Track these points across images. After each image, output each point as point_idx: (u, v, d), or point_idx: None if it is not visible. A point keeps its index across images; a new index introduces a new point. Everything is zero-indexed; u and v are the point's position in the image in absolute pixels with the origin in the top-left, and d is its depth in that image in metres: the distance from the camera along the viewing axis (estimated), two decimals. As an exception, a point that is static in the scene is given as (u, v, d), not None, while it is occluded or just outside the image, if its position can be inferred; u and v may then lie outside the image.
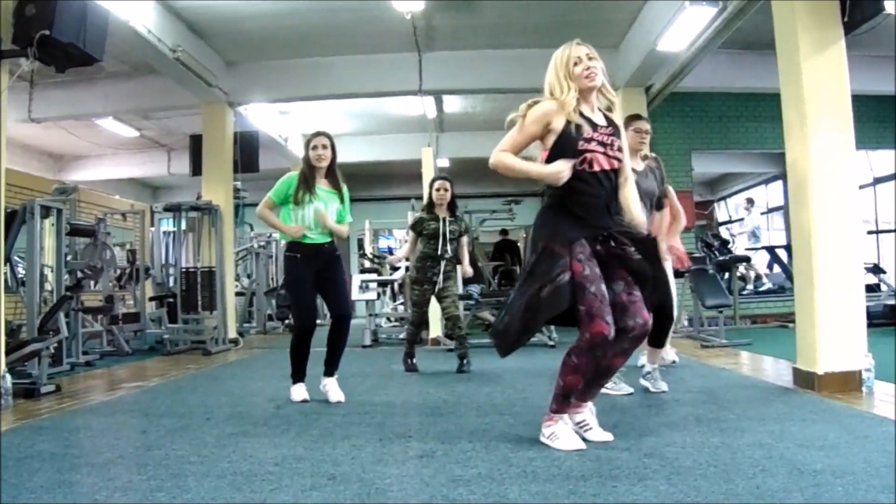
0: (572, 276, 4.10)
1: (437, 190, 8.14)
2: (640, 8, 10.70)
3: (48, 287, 9.94)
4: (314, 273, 6.18)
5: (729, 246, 15.39)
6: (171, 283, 12.69)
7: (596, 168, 4.22)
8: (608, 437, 4.30)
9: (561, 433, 4.19)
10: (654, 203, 6.14)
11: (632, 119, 6.20)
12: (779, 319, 13.02)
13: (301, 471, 3.75)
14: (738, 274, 14.58)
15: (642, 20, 10.85)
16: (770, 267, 16.27)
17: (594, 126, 4.28)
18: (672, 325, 6.31)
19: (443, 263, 8.03)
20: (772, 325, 12.88)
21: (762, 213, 19.08)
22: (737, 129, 14.16)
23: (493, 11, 10.92)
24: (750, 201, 17.96)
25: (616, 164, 4.30)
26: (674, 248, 6.90)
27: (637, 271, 4.26)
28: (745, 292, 14.60)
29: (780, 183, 18.07)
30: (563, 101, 4.27)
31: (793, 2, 6.15)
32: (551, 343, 10.21)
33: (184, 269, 12.01)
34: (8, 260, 8.45)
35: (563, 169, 4.13)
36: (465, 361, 8.02)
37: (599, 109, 4.44)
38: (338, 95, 13.60)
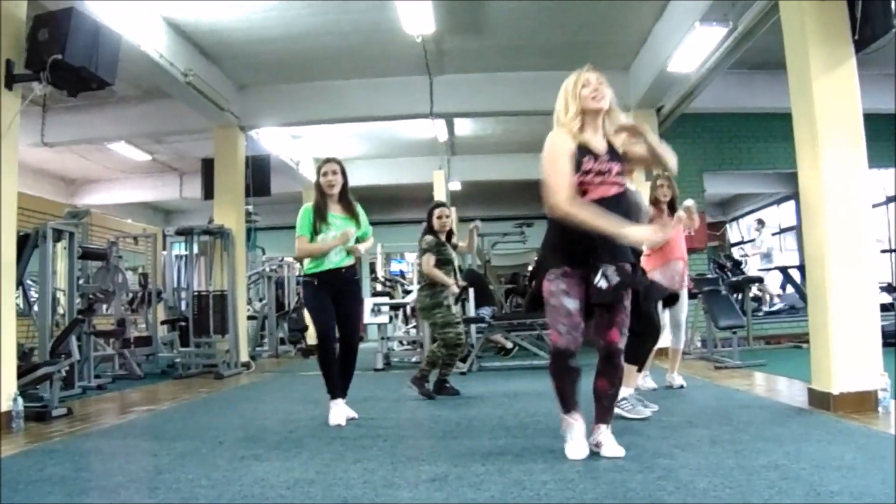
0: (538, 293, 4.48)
1: (439, 218, 8.05)
2: (649, 29, 10.71)
3: (60, 310, 9.95)
4: (331, 296, 6.26)
5: (741, 267, 15.35)
6: (183, 307, 12.71)
7: (592, 197, 4.29)
8: (620, 452, 4.35)
9: (568, 436, 4.42)
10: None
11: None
12: (792, 340, 12.94)
13: (313, 494, 3.72)
14: (752, 295, 14.54)
15: (652, 41, 10.86)
16: (783, 287, 16.20)
17: (595, 156, 4.34)
18: (653, 349, 6.27)
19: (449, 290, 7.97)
20: (785, 345, 12.81)
21: (774, 234, 19.02)
22: (748, 150, 14.12)
23: (504, 34, 10.95)
24: (760, 222, 17.93)
25: (617, 189, 4.37)
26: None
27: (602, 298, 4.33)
28: (759, 313, 14.55)
29: (792, 203, 18.01)
30: (566, 122, 4.41)
31: (803, 21, 6.13)
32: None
33: (196, 293, 12.02)
34: (20, 283, 8.46)
35: (659, 237, 4.38)
36: (446, 384, 7.98)
37: (606, 135, 4.49)
38: (349, 119, 13.64)
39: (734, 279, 12.72)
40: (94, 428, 6.38)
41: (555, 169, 4.31)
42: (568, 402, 4.44)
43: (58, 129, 13.47)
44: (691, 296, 10.95)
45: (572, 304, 4.30)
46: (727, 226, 21.68)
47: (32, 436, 5.96)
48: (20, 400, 6.40)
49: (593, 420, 4.50)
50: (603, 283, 4.22)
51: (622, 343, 4.42)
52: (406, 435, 5.64)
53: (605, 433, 4.46)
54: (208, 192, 13.50)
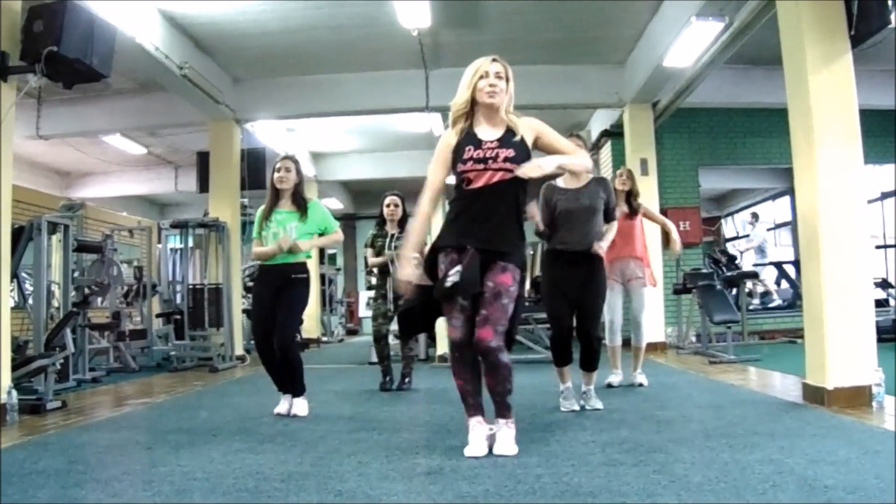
0: (428, 278, 4.51)
1: (388, 206, 8.13)
2: (645, 24, 10.72)
3: (55, 303, 9.93)
4: (273, 291, 6.26)
5: (736, 262, 15.36)
6: (178, 300, 12.68)
7: (476, 185, 4.38)
8: (511, 450, 4.37)
9: (470, 438, 4.49)
10: (595, 219, 6.10)
11: (566, 136, 6.26)
12: (787, 335, 12.95)
13: (307, 487, 3.73)
14: (746, 290, 14.57)
15: (648, 36, 10.87)
16: (778, 283, 16.22)
17: (478, 143, 4.43)
18: (598, 350, 6.26)
19: (390, 280, 8.00)
20: (780, 340, 12.82)
21: (769, 229, 19.04)
22: (744, 145, 14.11)
23: (500, 28, 10.94)
24: (755, 216, 17.93)
25: (499, 175, 4.38)
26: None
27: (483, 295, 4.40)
28: (751, 307, 14.56)
29: (787, 198, 18.05)
30: (454, 110, 4.61)
31: (799, 16, 6.13)
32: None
33: (191, 286, 12.04)
34: (15, 276, 8.45)
35: (408, 278, 4.51)
36: (405, 380, 8.10)
37: (505, 122, 4.57)
38: (344, 112, 13.63)
39: (729, 274, 12.73)
40: (89, 421, 6.38)
41: (429, 169, 4.59)
42: (472, 404, 4.56)
43: (53, 122, 13.42)
44: (686, 291, 10.99)
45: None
46: (722, 221, 21.70)
47: (27, 428, 5.96)
48: (15, 393, 6.40)
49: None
50: (450, 280, 4.31)
51: (494, 342, 4.30)
52: (401, 428, 5.65)
53: (503, 428, 4.48)
54: (203, 186, 13.50)
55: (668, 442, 4.62)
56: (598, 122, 14.98)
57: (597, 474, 3.81)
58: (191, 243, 12.73)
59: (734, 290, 12.49)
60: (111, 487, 3.86)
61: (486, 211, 4.38)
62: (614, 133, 13.59)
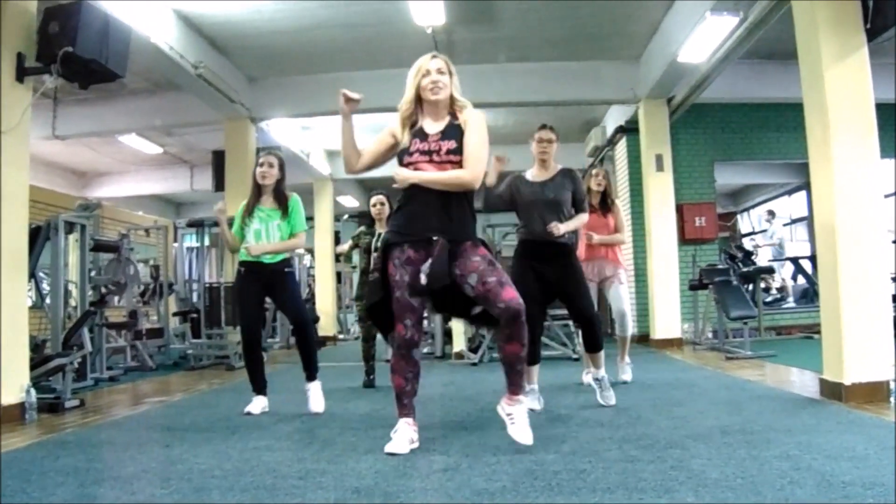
0: (386, 274, 4.57)
1: (374, 206, 8.22)
2: (660, 19, 10.68)
3: (72, 302, 9.99)
4: (259, 287, 6.32)
5: (752, 257, 15.31)
6: (195, 299, 12.75)
7: None
8: (528, 439, 4.37)
9: (393, 436, 4.56)
10: (567, 213, 6.08)
11: (537, 128, 6.27)
12: (804, 330, 12.91)
13: (325, 484, 3.73)
14: (763, 286, 14.54)
15: (663, 32, 10.83)
16: (794, 278, 16.16)
17: (424, 136, 4.57)
18: (599, 329, 6.24)
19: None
20: (797, 336, 12.77)
21: (785, 225, 18.96)
22: (759, 140, 14.05)
23: (514, 25, 10.93)
24: (771, 213, 17.87)
25: (448, 167, 4.48)
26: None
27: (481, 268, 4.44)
28: (768, 300, 14.52)
29: (803, 193, 17.96)
30: (400, 108, 4.84)
31: (814, 10, 6.11)
32: (575, 356, 10.17)
33: (207, 285, 12.07)
34: (33, 276, 8.49)
35: (402, 176, 4.57)
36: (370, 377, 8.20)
37: (450, 115, 4.68)
38: (359, 110, 13.53)
39: (745, 270, 12.69)
40: (107, 419, 6.42)
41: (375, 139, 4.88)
42: (406, 405, 4.66)
43: (69, 122, 13.48)
44: (702, 286, 10.96)
45: (413, 300, 4.50)
46: (738, 216, 21.62)
47: (45, 427, 5.99)
48: (33, 391, 6.44)
49: (505, 392, 4.59)
50: (423, 280, 4.36)
51: (521, 301, 4.32)
52: (417, 425, 5.65)
53: (518, 408, 4.53)
54: (219, 184, 13.51)
55: (684, 438, 4.61)
56: (614, 118, 14.94)
57: (613, 470, 3.81)
58: (207, 242, 12.78)
59: (750, 286, 12.44)
60: (129, 485, 3.87)
61: (441, 202, 4.46)
62: (629, 129, 13.56)
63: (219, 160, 13.55)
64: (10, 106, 6.48)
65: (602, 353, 6.25)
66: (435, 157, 4.46)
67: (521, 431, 4.40)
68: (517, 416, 4.47)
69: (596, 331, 6.14)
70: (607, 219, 7.45)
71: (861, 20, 6.03)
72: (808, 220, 16.95)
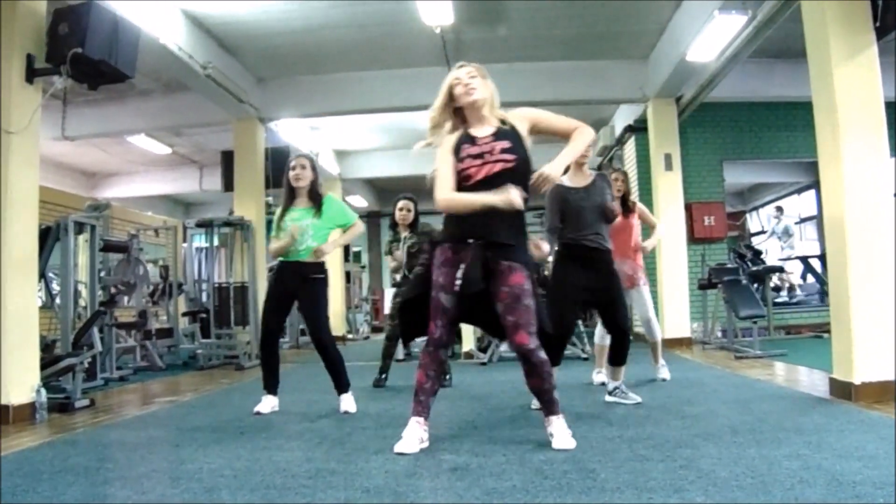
0: (427, 274, 4.66)
1: (401, 210, 8.19)
2: (668, 18, 10.67)
3: (82, 303, 10.00)
4: (287, 289, 6.32)
5: (761, 256, 15.29)
6: (204, 299, 12.75)
7: (477, 179, 4.45)
8: (570, 444, 4.41)
9: (404, 434, 4.56)
10: (603, 216, 6.07)
11: None
12: (813, 330, 12.89)
13: (335, 484, 3.74)
14: (790, 284, 14.55)
15: (671, 31, 10.82)
16: (804, 277, 16.13)
17: (473, 140, 4.55)
18: (629, 344, 6.22)
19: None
20: (806, 335, 12.75)
21: (795, 223, 18.91)
22: (768, 139, 14.02)
23: (523, 24, 10.93)
24: (779, 209, 17.83)
25: (499, 166, 4.46)
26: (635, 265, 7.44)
27: (507, 296, 4.45)
28: (778, 300, 14.49)
29: (812, 192, 17.93)
30: (431, 116, 4.84)
31: (823, 9, 6.09)
32: (584, 356, 10.17)
33: (216, 285, 12.08)
34: (42, 276, 8.50)
35: (509, 200, 4.37)
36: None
37: (496, 117, 4.69)
38: (368, 110, 13.64)
39: (754, 269, 12.67)
40: (117, 419, 6.43)
41: (438, 171, 4.61)
42: (422, 402, 4.63)
43: (78, 123, 13.49)
44: (712, 286, 10.94)
45: (449, 301, 4.51)
46: (747, 215, 21.58)
47: (56, 427, 6.01)
48: (43, 391, 6.46)
49: (544, 413, 4.63)
50: (457, 286, 4.44)
51: (532, 343, 4.41)
52: (428, 426, 5.65)
53: (556, 424, 4.53)
54: (228, 184, 13.54)
55: (694, 437, 4.61)
56: (622, 118, 14.93)
57: (623, 470, 3.81)
58: (216, 242, 12.77)
59: (759, 285, 12.42)
60: (140, 485, 3.88)
61: (491, 210, 4.42)
62: (638, 128, 13.55)
63: (228, 160, 13.58)
64: (19, 107, 6.51)
65: (623, 369, 6.26)
66: (489, 158, 4.44)
67: (562, 441, 4.43)
68: (555, 431, 4.50)
69: (627, 344, 6.13)
70: (629, 220, 7.43)
71: (870, 18, 6.02)
72: (818, 218, 16.92)
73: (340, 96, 12.86)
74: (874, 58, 6.06)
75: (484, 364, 10.05)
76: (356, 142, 17.85)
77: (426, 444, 4.54)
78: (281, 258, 6.34)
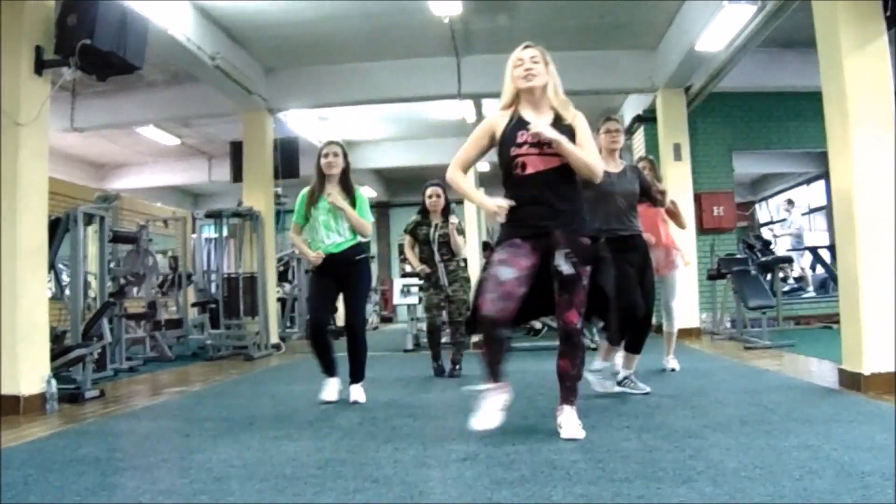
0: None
1: (430, 197, 8.15)
2: (677, 8, 10.64)
3: (91, 294, 10.02)
4: (334, 279, 6.27)
5: (771, 247, 15.25)
6: (213, 289, 12.76)
7: (530, 171, 4.41)
8: (579, 434, 4.39)
9: (482, 404, 4.48)
10: (633, 204, 6.03)
11: (603, 121, 6.14)
12: (822, 320, 12.85)
13: (344, 474, 3.75)
14: (797, 275, 14.51)
15: (680, 20, 10.79)
16: (813, 268, 16.09)
17: (527, 126, 4.44)
18: (647, 333, 6.22)
19: (441, 266, 8.04)
20: (815, 326, 12.72)
21: (803, 214, 18.86)
22: (778, 129, 13.98)
23: (531, 14, 10.91)
24: (790, 202, 17.78)
25: (556, 161, 4.42)
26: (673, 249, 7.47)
27: (562, 278, 4.39)
28: (786, 289, 14.47)
29: (822, 182, 17.88)
30: (502, 103, 4.68)
31: (834, -2, 6.08)
32: (593, 346, 10.14)
33: (225, 275, 12.12)
34: (52, 267, 8.53)
35: (496, 211, 4.41)
36: (456, 367, 8.13)
37: (553, 108, 4.60)
38: (376, 100, 13.64)
39: (763, 259, 12.65)
40: (127, 409, 6.45)
41: (469, 142, 4.66)
42: (493, 371, 4.50)
43: (87, 114, 13.55)
44: (721, 276, 10.92)
45: (507, 273, 4.34)
46: (756, 206, 21.52)
47: (66, 417, 6.03)
48: (54, 382, 6.48)
49: (558, 401, 4.61)
50: (565, 268, 4.33)
51: (579, 323, 4.43)
52: (436, 415, 5.66)
53: (567, 413, 4.52)
54: (237, 175, 13.55)
55: (703, 427, 4.61)
56: (631, 108, 14.90)
57: (632, 460, 3.81)
58: (225, 233, 12.80)
59: (769, 275, 12.40)
60: (150, 475, 3.90)
61: (557, 195, 4.43)
62: (647, 118, 13.52)
63: (237, 151, 13.58)
64: (28, 98, 6.52)
65: (638, 357, 6.26)
66: (546, 150, 4.40)
67: (570, 431, 4.41)
68: (565, 422, 4.49)
69: (645, 332, 6.13)
70: (657, 208, 7.37)
71: (881, 8, 5.99)
72: (827, 209, 16.87)
73: (349, 87, 12.86)
74: (885, 48, 6.03)
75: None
76: (365, 132, 17.84)
77: (505, 409, 4.52)
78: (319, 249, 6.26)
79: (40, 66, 6.63)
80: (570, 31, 11.41)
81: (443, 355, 8.25)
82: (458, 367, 8.07)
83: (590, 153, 4.49)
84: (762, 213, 21.96)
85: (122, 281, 10.86)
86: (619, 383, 6.22)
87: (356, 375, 6.34)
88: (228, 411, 6.08)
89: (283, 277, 16.86)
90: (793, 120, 13.74)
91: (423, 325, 13.44)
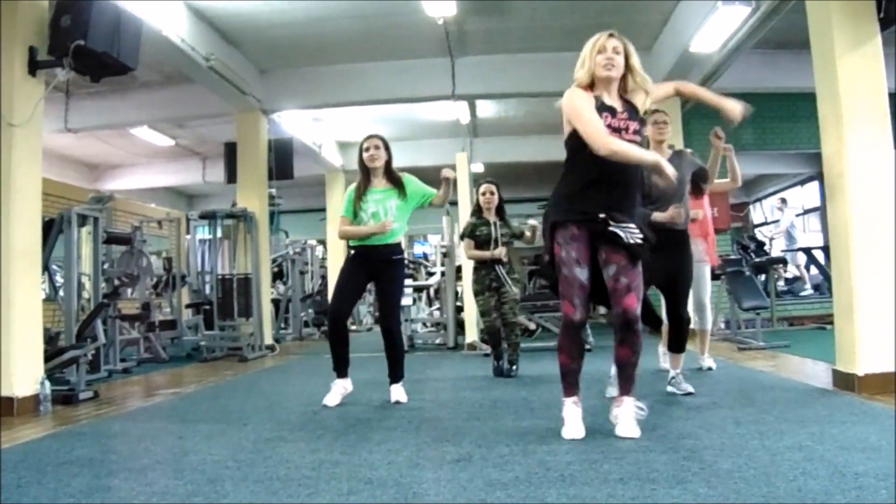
0: (552, 256, 4.53)
1: (483, 194, 8.14)
2: (672, 9, 10.65)
3: (85, 295, 10.02)
4: (366, 273, 6.28)
5: (765, 247, 15.28)
6: (208, 291, 12.77)
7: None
8: (634, 433, 4.40)
9: (566, 417, 4.51)
10: (679, 194, 6.00)
11: (651, 113, 6.09)
12: (816, 321, 12.88)
13: (338, 475, 3.75)
14: (793, 276, 14.52)
15: (675, 21, 10.80)
16: (807, 268, 16.12)
17: (612, 111, 4.46)
18: (688, 331, 6.23)
19: (498, 268, 8.01)
20: (809, 326, 12.74)
21: (797, 215, 18.89)
22: (772, 130, 14.01)
23: (525, 15, 10.91)
24: (783, 201, 17.80)
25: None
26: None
27: (631, 252, 4.42)
28: (784, 288, 14.50)
29: (816, 183, 17.90)
30: (578, 78, 4.59)
31: (827, -1, 6.09)
32: (587, 346, 10.15)
33: (220, 277, 12.10)
34: (46, 268, 8.52)
35: (670, 171, 4.38)
36: (513, 367, 8.05)
37: (623, 97, 4.61)
38: (370, 101, 13.63)
39: (757, 260, 12.66)
40: (121, 411, 6.45)
41: (587, 118, 4.40)
42: (571, 383, 4.55)
43: (81, 115, 13.54)
44: (715, 277, 10.92)
45: (583, 273, 4.40)
46: (750, 207, 21.54)
47: (60, 419, 6.02)
48: (47, 383, 6.48)
49: (616, 392, 4.64)
50: (633, 239, 4.38)
51: (639, 309, 4.42)
52: (430, 416, 5.66)
53: (626, 406, 4.52)
54: (231, 176, 13.55)
55: (697, 428, 4.62)
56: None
57: (626, 461, 3.81)
58: (219, 234, 12.79)
59: (763, 276, 12.41)
60: (144, 476, 3.90)
61: (625, 181, 4.47)
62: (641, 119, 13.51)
63: (231, 152, 13.59)
64: (22, 99, 6.52)
65: (683, 355, 6.27)
66: (624, 136, 4.42)
67: (625, 429, 4.43)
68: (621, 416, 4.50)
69: (685, 330, 6.14)
70: (700, 200, 7.30)
71: (874, 9, 6.00)
72: (821, 209, 16.90)
73: (343, 88, 12.85)
74: (878, 49, 6.05)
75: (487, 355, 10.03)
76: (359, 133, 17.66)
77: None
78: (357, 243, 6.29)
79: (34, 66, 6.63)
80: (564, 32, 11.39)
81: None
82: (515, 367, 8.05)
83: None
84: (756, 213, 21.98)
85: (116, 282, 10.85)
86: (669, 383, 6.23)
87: (395, 376, 6.38)
88: (222, 413, 6.08)
89: (277, 278, 16.87)
90: (787, 121, 13.77)
91: (417, 327, 13.53)
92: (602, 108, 4.46)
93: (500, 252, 7.94)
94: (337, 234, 6.50)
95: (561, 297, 4.46)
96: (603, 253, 4.45)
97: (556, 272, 4.51)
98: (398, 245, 6.35)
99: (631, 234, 4.37)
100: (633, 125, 4.48)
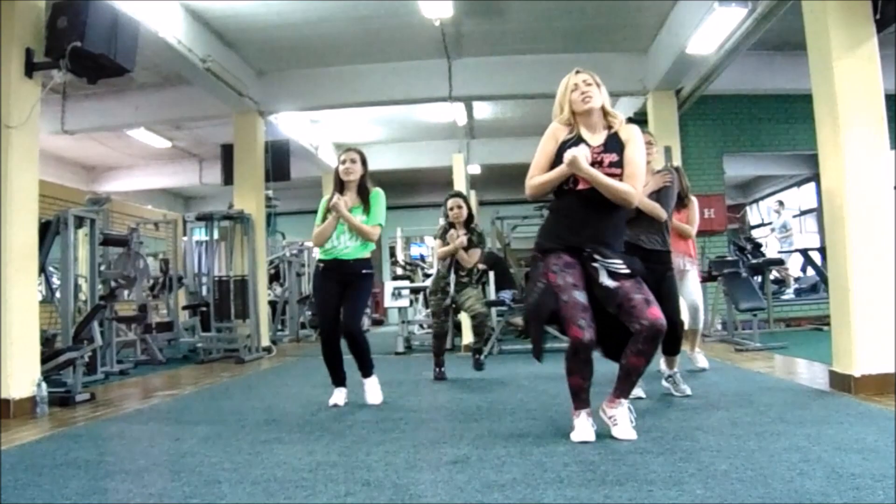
0: (548, 284, 4.50)
1: (451, 209, 8.10)
2: (668, 11, 10.64)
3: (82, 296, 10.00)
4: (338, 285, 6.28)
5: (761, 249, 15.28)
6: (204, 292, 12.75)
7: (580, 187, 4.47)
8: (632, 435, 4.41)
9: (576, 425, 4.48)
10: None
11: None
12: (813, 322, 12.88)
13: (335, 477, 3.75)
14: (774, 277, 14.49)
15: (671, 23, 10.80)
16: (803, 270, 16.12)
17: (587, 147, 4.51)
18: (683, 335, 6.25)
19: (452, 274, 8.05)
20: (806, 328, 12.75)
21: (794, 216, 18.91)
22: (768, 132, 14.03)
23: (522, 17, 10.91)
24: (780, 203, 17.82)
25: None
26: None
27: (627, 274, 4.48)
28: (783, 297, 14.52)
29: (812, 185, 17.93)
30: (561, 120, 4.68)
31: (824, 1, 6.09)
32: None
33: (216, 278, 12.08)
34: (42, 270, 8.51)
35: (575, 155, 4.37)
36: (480, 358, 8.23)
37: (607, 128, 4.66)
38: (367, 103, 13.63)
39: (754, 261, 12.66)
40: (118, 413, 6.44)
41: (538, 153, 4.66)
42: (584, 399, 4.53)
43: (78, 117, 13.50)
44: (712, 278, 10.94)
45: (582, 296, 4.41)
46: (747, 208, 21.58)
47: (56, 420, 6.02)
48: (44, 385, 6.47)
49: (611, 392, 4.60)
50: (609, 283, 4.41)
51: (663, 319, 4.39)
52: (427, 418, 5.67)
53: (622, 409, 4.54)
54: (228, 178, 13.53)
55: (694, 430, 4.62)
56: (622, 110, 14.86)
57: (623, 462, 3.82)
58: (216, 235, 12.76)
59: (759, 278, 12.42)
60: (140, 478, 3.90)
61: (600, 214, 4.51)
62: (638, 121, 13.47)
63: (227, 154, 13.57)
64: (19, 101, 6.52)
65: (678, 357, 6.28)
66: (601, 169, 4.44)
67: (624, 431, 4.45)
68: (619, 418, 4.52)
69: (678, 334, 6.13)
70: (681, 214, 7.34)
71: (870, 11, 6.01)
72: (818, 211, 16.92)
73: (340, 89, 12.85)
74: (874, 50, 6.06)
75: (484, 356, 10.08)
76: (356, 135, 17.81)
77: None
78: (327, 257, 6.31)
79: (30, 68, 6.62)
80: (561, 34, 11.41)
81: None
82: (482, 358, 8.32)
83: (628, 181, 4.49)
84: (753, 215, 22.01)
85: (113, 284, 10.83)
86: (665, 380, 6.30)
87: (365, 370, 6.45)
88: (219, 414, 6.08)
89: (273, 280, 16.86)
90: (783, 122, 13.78)
91: (414, 328, 13.54)
92: (577, 141, 4.54)
93: (462, 241, 7.94)
94: (312, 238, 6.49)
95: (566, 323, 4.41)
96: (601, 288, 4.47)
97: (551, 300, 4.50)
98: (367, 260, 6.40)
99: (616, 268, 4.41)
100: (609, 157, 4.50)
